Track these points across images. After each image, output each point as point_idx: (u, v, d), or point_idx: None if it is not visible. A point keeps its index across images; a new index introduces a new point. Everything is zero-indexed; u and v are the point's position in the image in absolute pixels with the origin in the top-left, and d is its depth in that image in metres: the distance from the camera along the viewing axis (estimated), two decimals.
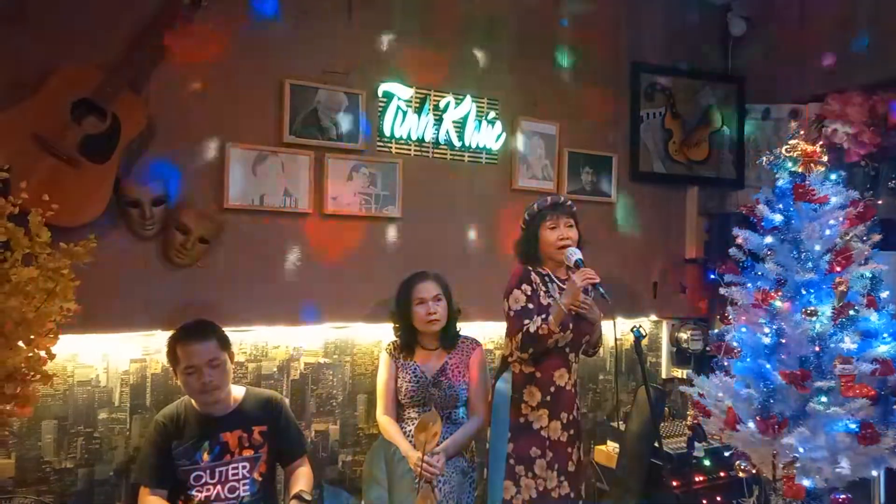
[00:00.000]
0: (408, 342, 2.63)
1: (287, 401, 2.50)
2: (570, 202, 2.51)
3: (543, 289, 2.41)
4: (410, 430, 2.52)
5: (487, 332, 3.11)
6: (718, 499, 2.87)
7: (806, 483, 2.07)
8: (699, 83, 3.61)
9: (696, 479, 2.87)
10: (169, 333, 2.29)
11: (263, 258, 2.63)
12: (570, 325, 2.35)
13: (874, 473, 2.09)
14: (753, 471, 2.25)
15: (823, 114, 2.77)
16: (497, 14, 3.14)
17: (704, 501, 2.85)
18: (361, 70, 2.81)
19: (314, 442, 2.74)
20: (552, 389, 2.39)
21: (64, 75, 2.22)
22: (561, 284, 2.40)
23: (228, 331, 2.29)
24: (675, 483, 2.79)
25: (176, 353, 2.20)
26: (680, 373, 3.56)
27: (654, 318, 3.60)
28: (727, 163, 3.61)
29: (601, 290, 2.26)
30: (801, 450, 1.99)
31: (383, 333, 2.81)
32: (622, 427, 3.09)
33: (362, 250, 2.82)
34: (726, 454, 2.79)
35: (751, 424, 2.06)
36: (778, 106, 3.42)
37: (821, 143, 2.23)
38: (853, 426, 1.99)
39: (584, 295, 2.35)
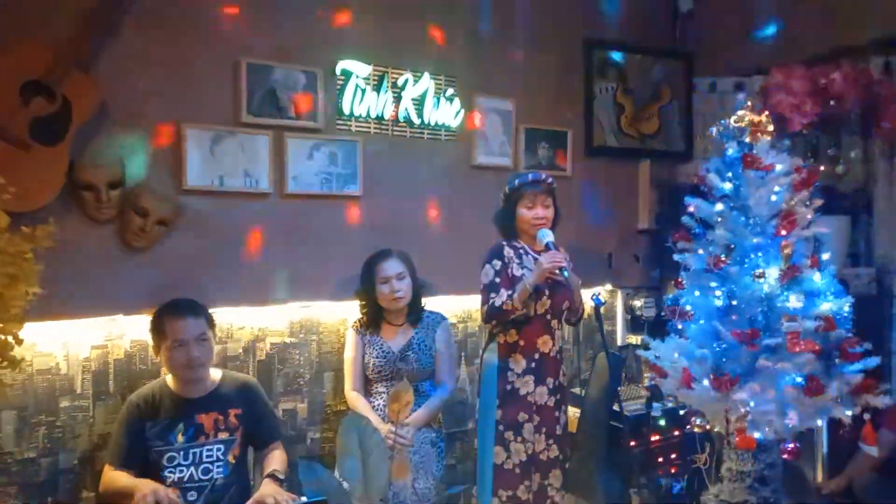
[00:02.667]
0: (374, 319, 2.66)
1: (258, 384, 2.51)
2: (550, 179, 2.57)
3: (517, 261, 2.48)
4: (378, 405, 2.58)
5: (453, 307, 3.16)
6: (673, 456, 3.02)
7: (757, 435, 2.19)
8: (649, 59, 3.71)
9: (653, 438, 3.00)
10: (129, 318, 2.26)
11: (225, 239, 2.61)
12: (547, 293, 2.44)
13: (819, 423, 2.22)
14: (707, 426, 2.37)
15: (767, 86, 2.90)
16: None
17: (660, 459, 2.99)
18: (318, 48, 2.78)
19: (283, 421, 2.75)
20: (536, 356, 2.48)
21: (11, 56, 2.14)
22: (536, 256, 2.48)
23: None
24: (632, 443, 2.91)
25: (163, 328, 2.20)
26: (635, 339, 3.69)
27: (609, 287, 3.71)
28: (676, 136, 3.73)
29: (565, 273, 2.36)
30: (751, 404, 2.10)
31: (348, 311, 2.83)
32: (582, 393, 3.20)
33: (324, 229, 2.82)
34: (681, 413, 2.96)
35: (705, 382, 2.17)
36: (724, 79, 3.53)
37: (766, 113, 2.32)
38: (799, 380, 2.11)
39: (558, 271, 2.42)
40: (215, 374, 2.33)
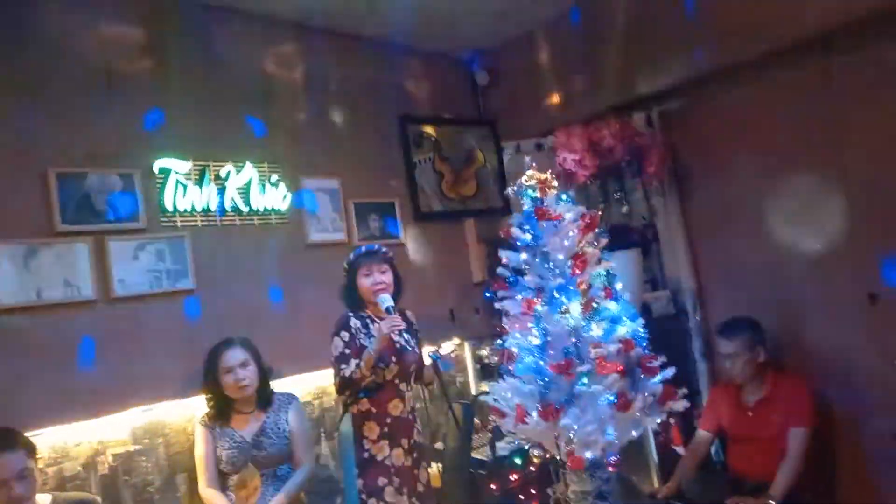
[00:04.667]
0: (222, 410, 2.65)
1: (99, 499, 2.39)
2: (383, 249, 2.76)
3: (364, 331, 2.61)
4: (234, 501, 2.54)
5: (306, 385, 3.20)
6: (533, 491, 3.22)
7: (588, 454, 2.44)
8: (459, 128, 4.09)
9: (512, 478, 3.19)
10: None
11: (49, 354, 2.50)
12: (394, 359, 2.59)
13: (634, 434, 2.51)
14: (546, 455, 2.60)
15: (555, 146, 3.32)
16: (268, 83, 3.32)
17: (521, 496, 3.17)
18: (133, 150, 2.81)
19: None
20: (388, 420, 2.59)
21: None
22: None
23: None
24: (493, 486, 3.08)
25: None
26: (487, 386, 3.91)
27: (456, 340, 3.93)
28: (494, 194, 4.10)
29: (405, 333, 2.59)
30: (575, 427, 2.35)
31: (195, 407, 2.79)
32: (441, 447, 3.34)
33: (160, 327, 2.79)
34: (526, 448, 3.18)
35: (534, 415, 2.40)
36: (525, 140, 3.97)
37: (551, 171, 2.68)
38: (611, 398, 2.40)
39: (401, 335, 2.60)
40: (43, 500, 2.18)
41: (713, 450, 3.14)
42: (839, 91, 2.92)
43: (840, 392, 2.97)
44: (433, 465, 3.44)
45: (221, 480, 2.60)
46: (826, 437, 2.91)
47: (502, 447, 3.19)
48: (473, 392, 3.97)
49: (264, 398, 2.71)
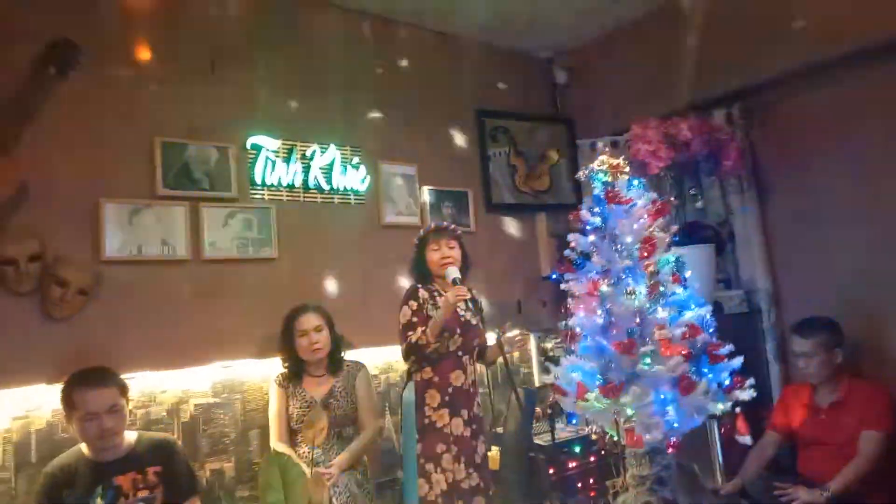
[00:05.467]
0: (295, 371, 2.80)
1: (180, 443, 2.58)
2: (452, 226, 2.87)
3: (431, 302, 2.71)
4: (303, 452, 2.67)
5: (374, 359, 3.33)
6: (591, 480, 3.21)
7: (647, 437, 2.44)
8: (536, 124, 4.16)
9: (570, 465, 3.20)
10: (51, 387, 2.33)
11: (145, 305, 2.74)
12: (459, 331, 2.68)
13: (697, 419, 2.48)
14: (606, 437, 2.60)
15: (629, 138, 3.34)
16: (356, 69, 3.51)
17: (579, 484, 3.18)
18: (229, 125, 3.04)
19: (209, 481, 2.80)
20: (450, 390, 2.67)
21: None
22: None
23: None
24: (551, 471, 3.10)
25: (72, 400, 2.23)
26: (551, 378, 3.92)
27: (522, 329, 3.97)
28: (566, 190, 4.14)
29: (471, 305, 2.67)
30: (633, 408, 2.36)
31: (271, 369, 2.96)
32: (502, 431, 3.38)
33: (243, 291, 2.99)
34: (592, 437, 3.17)
35: (595, 392, 2.42)
36: (601, 139, 4.00)
37: (623, 157, 2.71)
38: (674, 381, 2.39)
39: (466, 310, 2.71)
40: (130, 436, 2.37)
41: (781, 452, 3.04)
42: None
43: None
44: (493, 448, 3.50)
45: (291, 437, 2.75)
46: None
47: (563, 434, 3.19)
48: (537, 384, 3.99)
49: (335, 363, 2.84)
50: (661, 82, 3.70)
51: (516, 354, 3.89)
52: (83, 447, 2.30)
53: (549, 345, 3.92)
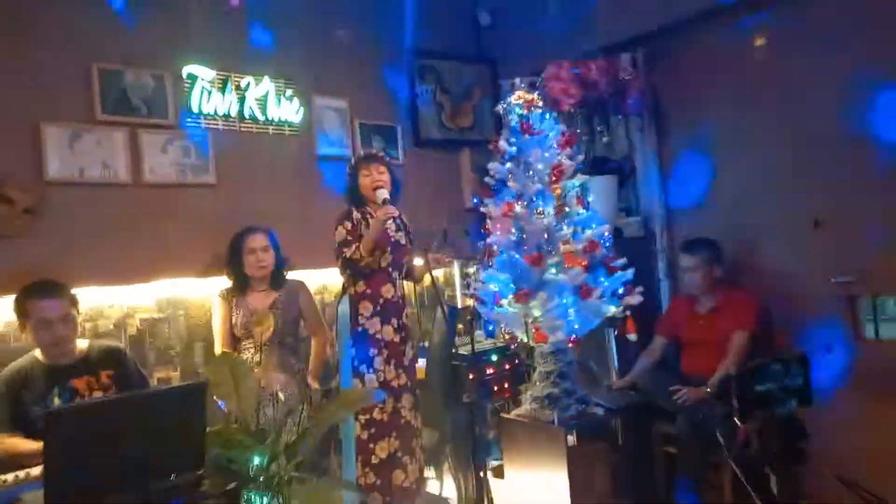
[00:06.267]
0: (240, 285, 3.01)
1: (128, 350, 2.77)
2: (381, 153, 3.12)
3: (364, 223, 2.97)
4: (247, 359, 2.93)
5: (309, 281, 3.57)
6: (506, 385, 3.61)
7: (552, 338, 2.83)
8: (461, 64, 4.40)
9: (488, 371, 3.58)
10: (4, 298, 2.47)
11: (90, 225, 2.88)
12: (389, 248, 2.98)
13: (594, 322, 2.89)
14: (518, 340, 2.99)
15: (546, 77, 3.64)
16: (285, 4, 3.62)
17: (495, 388, 3.57)
18: (165, 54, 3.14)
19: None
20: (381, 301, 2.97)
21: None
22: None
23: None
24: (471, 376, 3.47)
25: (26, 309, 2.38)
26: (471, 302, 4.29)
27: (449, 260, 4.30)
28: (489, 127, 4.43)
29: (400, 224, 2.98)
30: (542, 309, 2.74)
31: (211, 287, 3.16)
32: (427, 345, 3.73)
33: (184, 214, 3.16)
34: (507, 351, 3.55)
35: (509, 298, 2.78)
36: (520, 78, 4.27)
37: (536, 93, 3.02)
38: (576, 288, 2.78)
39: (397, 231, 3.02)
40: (82, 343, 2.54)
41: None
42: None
43: (782, 306, 3.33)
44: (419, 360, 3.85)
45: (235, 346, 2.99)
46: (765, 344, 3.28)
47: (482, 345, 3.56)
48: (459, 306, 4.35)
49: (278, 279, 3.08)
50: (574, 27, 4.00)
51: (441, 278, 4.23)
52: (38, 353, 2.46)
53: (471, 270, 4.26)
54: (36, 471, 2.05)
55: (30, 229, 2.69)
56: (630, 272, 2.90)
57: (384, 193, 2.94)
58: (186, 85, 3.20)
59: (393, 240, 3.03)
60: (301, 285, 3.17)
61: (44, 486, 1.62)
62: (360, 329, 2.96)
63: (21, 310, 2.42)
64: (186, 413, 1.87)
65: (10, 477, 2.06)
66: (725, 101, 3.57)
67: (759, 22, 3.40)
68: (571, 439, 2.83)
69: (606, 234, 2.94)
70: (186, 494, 1.84)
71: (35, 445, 2.24)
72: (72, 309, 2.48)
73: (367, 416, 2.92)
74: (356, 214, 3.00)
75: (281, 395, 2.73)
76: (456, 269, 4.36)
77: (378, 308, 2.98)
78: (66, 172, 2.81)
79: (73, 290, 2.77)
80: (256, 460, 2.15)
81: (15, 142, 2.70)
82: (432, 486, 3.42)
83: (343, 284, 3.07)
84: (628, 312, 2.89)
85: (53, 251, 2.76)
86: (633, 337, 2.91)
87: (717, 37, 3.57)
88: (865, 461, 2.93)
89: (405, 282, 3.23)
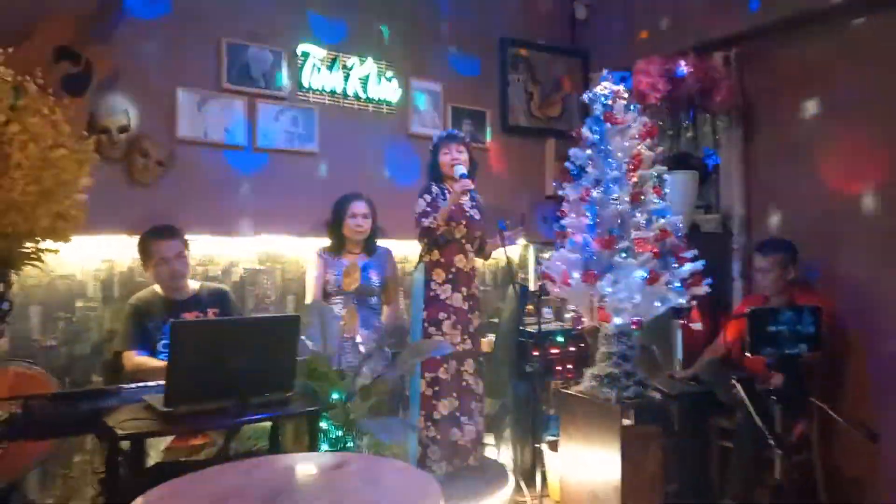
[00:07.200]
0: (338, 246, 3.30)
1: (232, 294, 3.14)
2: (461, 133, 3.34)
3: (442, 197, 3.22)
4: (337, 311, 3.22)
5: (397, 248, 3.85)
6: (570, 366, 3.77)
7: (617, 320, 2.96)
8: (552, 55, 4.55)
9: (552, 350, 3.74)
10: (132, 238, 2.88)
11: (208, 181, 3.26)
12: (464, 222, 3.19)
13: (659, 307, 2.99)
14: (582, 321, 3.13)
15: (634, 71, 3.74)
16: None
17: (559, 367, 3.73)
18: (283, 33, 3.49)
19: None
20: (453, 270, 3.21)
21: (45, 26, 2.76)
22: None
23: None
24: (535, 352, 3.64)
25: (149, 248, 2.78)
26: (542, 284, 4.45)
27: (523, 243, 4.48)
28: (575, 118, 4.56)
29: (475, 201, 3.19)
30: (609, 289, 2.87)
31: (308, 246, 3.47)
32: (496, 321, 3.93)
33: (288, 178, 3.49)
34: (573, 333, 3.69)
35: (576, 275, 2.93)
36: (613, 73, 4.37)
37: (622, 85, 3.14)
38: (644, 273, 2.90)
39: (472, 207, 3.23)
40: (194, 284, 2.92)
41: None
42: None
43: (857, 318, 3.31)
44: (487, 335, 4.06)
45: (325, 300, 3.29)
46: (838, 358, 3.26)
47: (549, 326, 3.73)
48: (532, 288, 4.52)
49: (371, 246, 3.34)
50: (667, 24, 4.07)
51: (517, 260, 4.41)
52: (157, 287, 2.85)
53: (546, 255, 4.42)
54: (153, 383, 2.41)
55: (160, 180, 3.09)
56: (700, 263, 2.98)
57: (461, 169, 3.15)
58: (300, 61, 3.53)
59: (468, 214, 3.24)
60: (389, 253, 3.44)
61: (165, 382, 1.95)
62: (432, 294, 3.19)
63: (144, 249, 2.81)
64: (281, 342, 2.16)
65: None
66: (820, 108, 3.55)
67: (863, 28, 3.37)
68: (628, 420, 2.96)
69: (680, 224, 3.03)
70: (276, 410, 2.14)
71: (160, 363, 2.61)
72: (185, 249, 2.85)
73: (433, 375, 3.16)
74: (435, 189, 3.24)
75: (361, 347, 3.02)
76: (531, 253, 4.53)
77: (450, 276, 3.21)
78: (194, 132, 3.19)
79: (190, 236, 3.18)
80: (335, 396, 2.44)
81: (154, 103, 3.10)
82: (490, 452, 3.62)
83: (420, 253, 3.31)
84: (694, 302, 2.98)
85: (176, 201, 3.14)
86: (697, 326, 3.00)
87: (816, 41, 3.55)
88: None
89: (476, 257, 3.44)
